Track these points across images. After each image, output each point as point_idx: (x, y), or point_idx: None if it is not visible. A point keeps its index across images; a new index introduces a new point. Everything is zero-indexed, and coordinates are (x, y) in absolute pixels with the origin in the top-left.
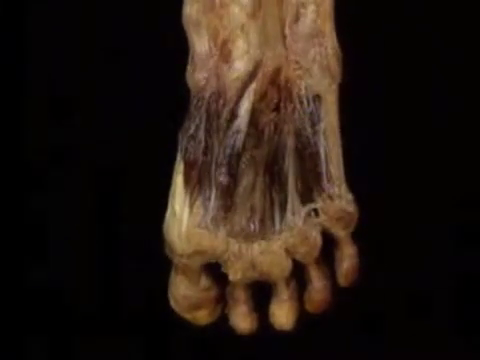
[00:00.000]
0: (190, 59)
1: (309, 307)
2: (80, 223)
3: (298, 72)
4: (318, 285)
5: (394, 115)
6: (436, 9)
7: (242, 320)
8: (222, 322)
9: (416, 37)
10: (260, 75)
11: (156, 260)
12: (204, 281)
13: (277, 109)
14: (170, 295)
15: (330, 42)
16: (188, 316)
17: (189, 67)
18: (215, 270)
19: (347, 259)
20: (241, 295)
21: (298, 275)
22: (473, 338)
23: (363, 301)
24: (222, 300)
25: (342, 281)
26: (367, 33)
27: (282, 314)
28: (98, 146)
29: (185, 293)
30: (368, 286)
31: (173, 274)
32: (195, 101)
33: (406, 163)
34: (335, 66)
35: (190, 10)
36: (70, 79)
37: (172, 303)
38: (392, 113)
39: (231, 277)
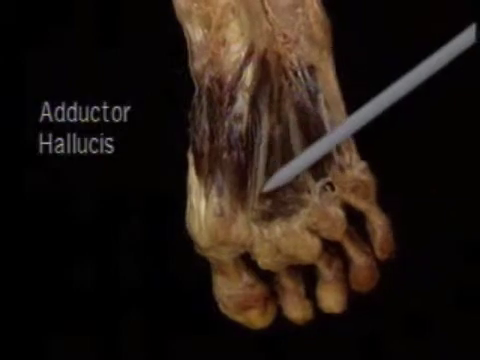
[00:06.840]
0: (189, 50)
1: (355, 286)
2: (80, 222)
3: (287, 46)
4: (359, 262)
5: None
6: None
7: (293, 309)
8: (222, 321)
9: None
10: (255, 55)
11: (156, 259)
12: (246, 278)
13: (274, 87)
14: (218, 300)
15: (311, 9)
16: (240, 319)
17: (189, 58)
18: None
19: (378, 229)
20: (288, 284)
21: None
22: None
23: (360, 319)
24: (273, 299)
25: (380, 254)
26: None
27: (329, 296)
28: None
29: (228, 293)
30: (365, 304)
31: (214, 277)
32: (197, 90)
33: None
34: (319, 34)
35: (179, 0)
36: (69, 79)
37: (221, 308)
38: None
39: (260, 263)
